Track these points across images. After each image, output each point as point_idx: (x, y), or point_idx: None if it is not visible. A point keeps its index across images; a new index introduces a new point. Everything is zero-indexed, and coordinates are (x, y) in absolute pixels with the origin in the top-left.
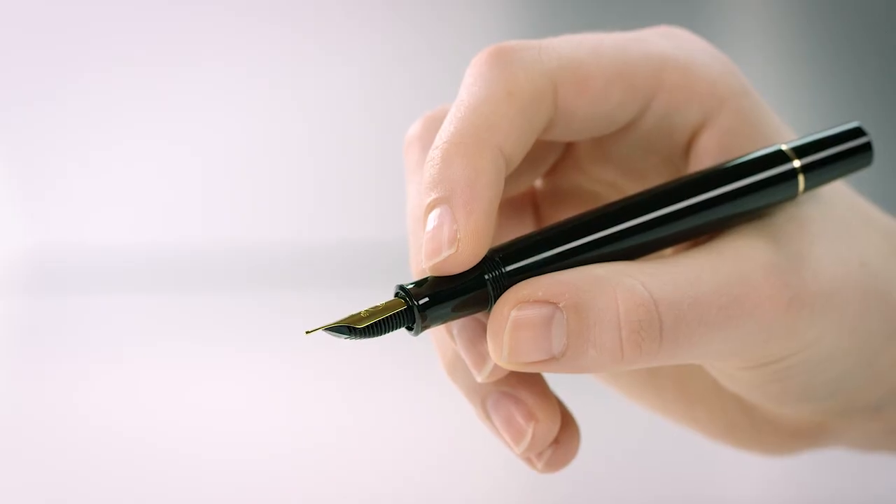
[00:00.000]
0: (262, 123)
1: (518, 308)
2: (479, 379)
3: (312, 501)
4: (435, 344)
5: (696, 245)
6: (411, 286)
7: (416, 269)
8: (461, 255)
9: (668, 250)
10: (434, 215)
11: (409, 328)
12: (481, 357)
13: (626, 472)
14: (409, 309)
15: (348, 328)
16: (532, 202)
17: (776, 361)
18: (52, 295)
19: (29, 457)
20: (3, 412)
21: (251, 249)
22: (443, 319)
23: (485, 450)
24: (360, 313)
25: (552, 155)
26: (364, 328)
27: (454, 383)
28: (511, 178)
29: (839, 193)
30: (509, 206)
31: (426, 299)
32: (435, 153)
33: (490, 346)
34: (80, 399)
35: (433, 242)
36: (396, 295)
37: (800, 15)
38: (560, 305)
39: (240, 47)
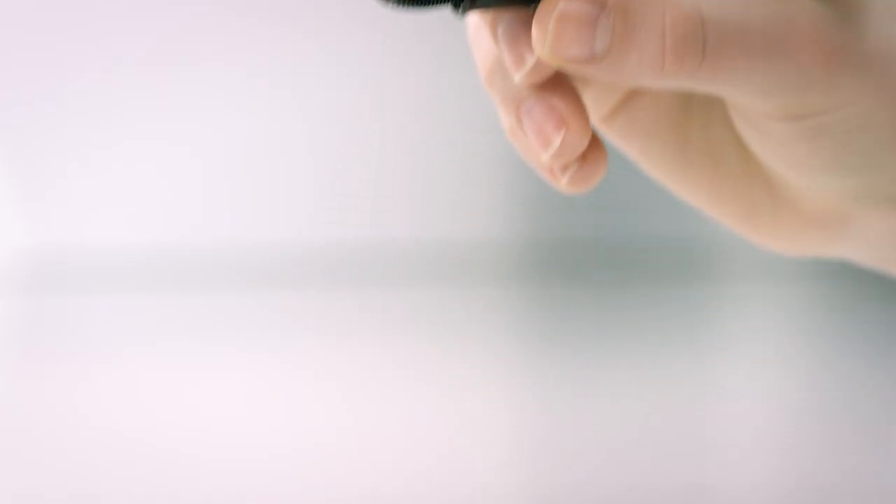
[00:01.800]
0: (262, 124)
1: (566, 1)
2: (516, 78)
3: (312, 501)
4: (475, 53)
5: None
6: None
7: None
8: None
9: None
10: None
11: (456, 5)
12: (521, 56)
13: (624, 468)
14: None
15: None
16: None
17: (810, 116)
18: (52, 295)
19: (29, 455)
20: (3, 411)
21: (252, 250)
22: (490, 4)
23: (485, 450)
24: None
25: None
26: None
27: (491, 91)
28: None
29: None
30: None
31: None
32: None
33: (534, 35)
34: (80, 398)
35: None
36: None
37: None
38: (608, 4)
39: (240, 48)
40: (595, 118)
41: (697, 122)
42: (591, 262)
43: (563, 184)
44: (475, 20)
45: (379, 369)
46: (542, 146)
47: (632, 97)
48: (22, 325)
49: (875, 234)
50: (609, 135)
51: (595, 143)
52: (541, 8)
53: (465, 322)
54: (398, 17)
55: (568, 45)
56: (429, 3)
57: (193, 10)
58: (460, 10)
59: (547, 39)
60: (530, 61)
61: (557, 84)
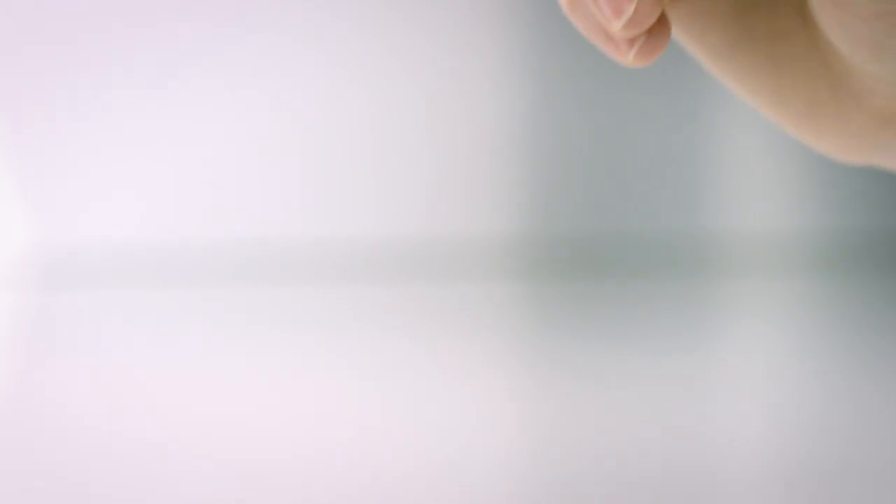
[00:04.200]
0: (266, 121)
1: None
2: None
3: (316, 497)
4: None
5: None
6: None
7: None
8: None
9: None
10: None
11: None
12: None
13: (626, 462)
14: None
15: None
16: None
17: None
18: (61, 291)
19: (39, 451)
20: (14, 407)
21: (261, 246)
22: None
23: (486, 446)
24: None
25: None
26: None
27: None
28: None
29: None
30: None
31: None
32: None
33: None
34: (91, 393)
35: None
36: None
37: None
38: None
39: (243, 43)
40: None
41: (764, 8)
42: (593, 257)
43: (629, 58)
44: None
45: (381, 365)
46: (614, 14)
47: None
48: (32, 321)
49: None
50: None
51: (662, 16)
52: None
53: (465, 318)
54: (399, 11)
55: None
56: None
57: (196, 8)
58: None
59: None
60: None
61: None
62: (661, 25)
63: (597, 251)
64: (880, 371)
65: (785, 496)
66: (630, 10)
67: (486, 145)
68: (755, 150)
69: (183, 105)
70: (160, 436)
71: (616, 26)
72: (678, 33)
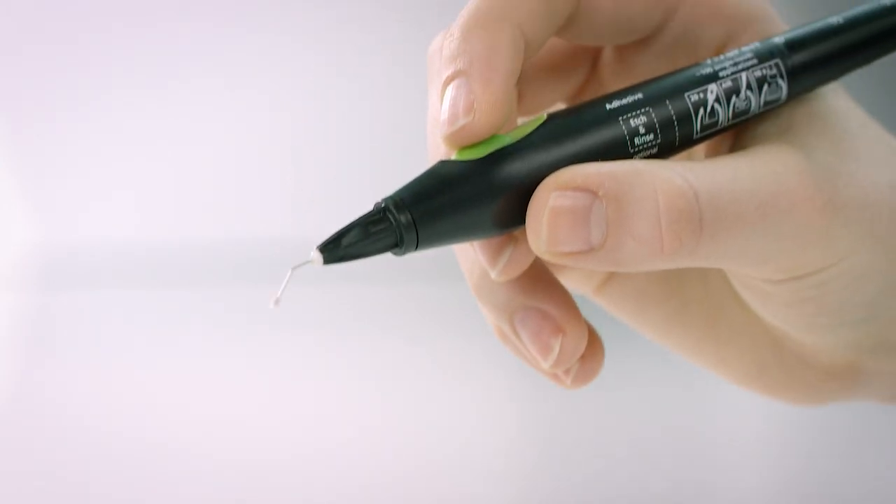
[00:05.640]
0: (265, 123)
1: (557, 195)
2: (493, 275)
3: (318, 497)
4: (462, 266)
5: (719, 154)
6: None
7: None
8: (477, 124)
9: (699, 154)
10: (452, 86)
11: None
12: (496, 251)
13: (626, 466)
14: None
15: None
16: None
17: (811, 274)
18: (61, 291)
19: (42, 452)
20: (14, 406)
21: (261, 245)
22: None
23: (490, 449)
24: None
25: (577, 73)
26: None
27: (481, 302)
28: (536, 95)
29: (865, 122)
30: None
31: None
32: (455, 29)
33: (528, 233)
34: (94, 393)
35: (450, 111)
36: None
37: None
38: (599, 194)
39: (243, 44)
40: (588, 290)
41: (696, 284)
42: None
43: (567, 384)
44: None
45: (381, 365)
46: (541, 355)
47: None
48: (32, 321)
49: (891, 377)
50: (604, 303)
51: (591, 338)
52: (532, 204)
53: (465, 318)
54: (400, 12)
55: (564, 240)
56: (366, 254)
57: (196, 5)
58: (402, 251)
59: (542, 236)
60: (504, 257)
61: (543, 284)
62: (592, 349)
63: None
64: None
65: (785, 497)
66: (556, 347)
67: None
68: None
69: (183, 105)
70: (160, 436)
71: (546, 366)
72: (616, 313)
